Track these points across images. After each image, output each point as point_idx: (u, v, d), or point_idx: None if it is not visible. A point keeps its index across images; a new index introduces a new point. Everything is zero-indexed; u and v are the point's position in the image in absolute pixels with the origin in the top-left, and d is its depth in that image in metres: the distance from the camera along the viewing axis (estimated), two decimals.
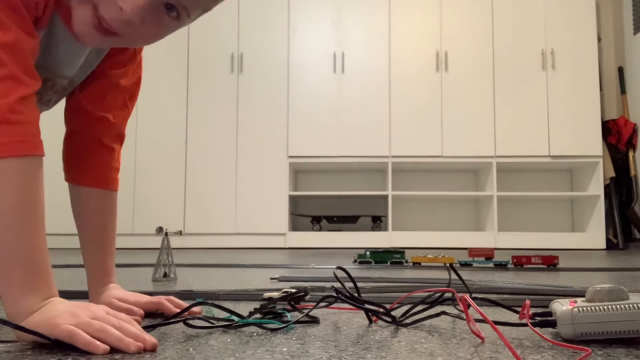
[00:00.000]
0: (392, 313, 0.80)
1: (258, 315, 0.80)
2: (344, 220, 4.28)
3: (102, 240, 0.90)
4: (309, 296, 0.92)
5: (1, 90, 0.63)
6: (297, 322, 0.79)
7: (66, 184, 0.90)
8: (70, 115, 0.89)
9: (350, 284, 0.88)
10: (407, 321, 0.79)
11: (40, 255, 0.65)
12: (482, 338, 0.68)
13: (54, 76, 0.79)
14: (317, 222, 4.28)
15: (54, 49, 0.76)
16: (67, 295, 0.74)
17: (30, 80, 0.66)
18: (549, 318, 0.69)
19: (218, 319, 0.77)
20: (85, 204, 0.89)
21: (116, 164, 0.92)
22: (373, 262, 2.19)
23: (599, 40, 4.42)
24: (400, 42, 4.25)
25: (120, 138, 0.92)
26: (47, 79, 0.78)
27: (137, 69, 0.92)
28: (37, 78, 0.68)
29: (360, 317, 0.85)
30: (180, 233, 4.15)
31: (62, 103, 0.90)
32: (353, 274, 0.89)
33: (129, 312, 0.80)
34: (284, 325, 0.75)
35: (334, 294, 0.83)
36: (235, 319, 0.76)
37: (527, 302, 0.69)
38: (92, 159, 0.88)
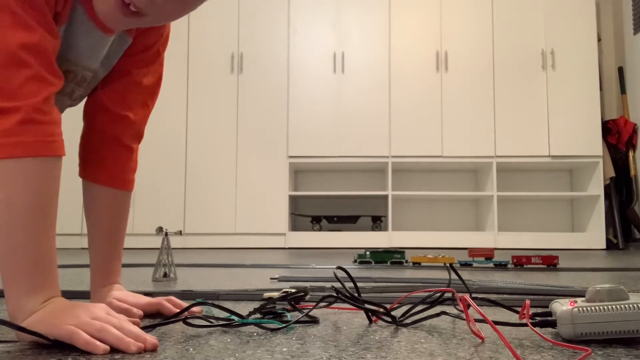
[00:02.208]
0: (392, 313, 0.80)
1: (258, 315, 0.80)
2: (344, 220, 4.28)
3: (110, 239, 0.89)
4: (309, 296, 0.92)
5: (28, 91, 0.64)
6: (297, 322, 0.79)
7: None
8: (90, 112, 0.88)
9: (350, 284, 0.88)
10: (407, 321, 0.79)
11: (48, 256, 0.65)
12: (482, 338, 0.68)
13: (76, 68, 0.79)
14: (317, 222, 4.28)
15: (75, 40, 0.76)
16: (67, 295, 0.74)
17: (54, 80, 0.67)
18: (549, 318, 0.69)
19: (218, 319, 0.77)
20: (99, 202, 0.88)
21: (134, 164, 0.91)
22: (373, 262, 2.19)
23: (599, 40, 4.42)
24: (400, 42, 4.25)
25: (139, 137, 0.91)
26: (69, 70, 0.77)
27: (159, 67, 0.91)
28: (61, 77, 0.69)
29: (360, 317, 0.85)
30: (180, 233, 4.15)
31: None
32: (353, 274, 0.89)
33: (127, 312, 0.80)
34: (284, 325, 0.75)
35: (334, 294, 0.83)
36: (235, 318, 0.76)
37: (527, 302, 0.69)
38: (109, 158, 0.87)
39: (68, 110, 0.87)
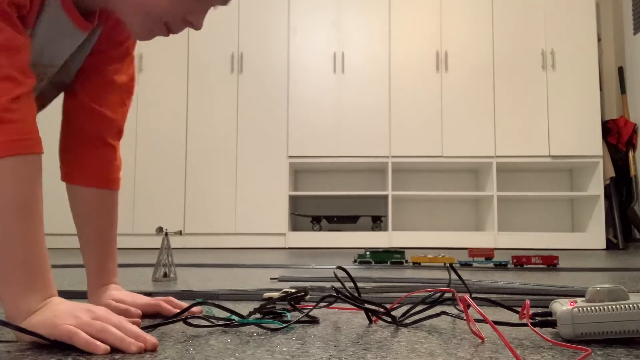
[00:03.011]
0: (392, 313, 0.80)
1: (258, 315, 0.80)
2: (344, 220, 4.28)
3: (102, 240, 0.88)
4: (308, 296, 0.92)
5: None
6: (297, 322, 0.79)
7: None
8: (70, 112, 0.87)
9: (351, 284, 0.88)
10: (407, 321, 0.79)
11: (38, 255, 0.64)
12: (482, 338, 0.68)
13: (41, 66, 0.78)
14: (317, 222, 4.28)
15: (44, 34, 0.74)
16: (67, 295, 0.74)
17: (25, 79, 0.66)
18: (549, 318, 0.69)
19: (218, 319, 0.77)
20: (86, 204, 0.87)
21: (118, 162, 0.90)
22: (373, 262, 2.19)
23: (599, 40, 4.42)
24: (400, 42, 4.25)
25: (120, 135, 0.91)
26: (38, 74, 0.77)
27: (130, 66, 0.91)
28: (32, 76, 0.68)
29: (360, 317, 0.85)
30: (180, 233, 4.14)
31: (60, 99, 0.89)
32: (353, 274, 0.89)
33: (125, 313, 0.80)
34: (284, 325, 0.75)
35: (334, 294, 0.83)
36: (236, 318, 0.76)
37: (527, 302, 0.69)
38: (93, 158, 0.87)
39: (47, 114, 0.86)
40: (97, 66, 0.85)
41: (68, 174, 0.88)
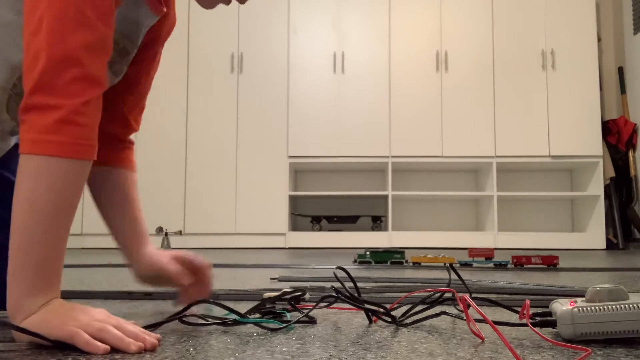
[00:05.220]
0: (392, 313, 0.80)
1: (257, 315, 0.80)
2: (344, 220, 4.28)
3: (132, 205, 0.92)
4: (307, 295, 0.92)
5: (73, 91, 0.63)
6: (296, 322, 0.78)
7: None
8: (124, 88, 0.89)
9: (350, 284, 0.88)
10: (407, 321, 0.79)
11: (57, 259, 0.65)
12: (482, 338, 0.68)
13: (123, 39, 0.80)
14: (317, 222, 4.28)
15: (129, 13, 0.77)
16: (67, 295, 0.74)
17: (101, 82, 0.67)
18: (549, 318, 0.69)
19: (219, 318, 0.77)
20: (104, 180, 0.89)
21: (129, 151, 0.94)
22: (373, 262, 2.19)
23: (599, 40, 4.42)
24: (400, 42, 4.25)
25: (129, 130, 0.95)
26: (117, 41, 0.78)
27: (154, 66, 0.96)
28: (106, 81, 0.69)
29: (360, 317, 0.85)
30: (180, 233, 4.15)
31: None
32: (353, 274, 0.89)
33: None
34: (284, 325, 0.75)
35: (334, 294, 0.83)
36: (235, 316, 0.76)
37: (527, 302, 0.69)
38: (106, 151, 0.89)
39: None
40: (137, 78, 0.89)
41: None
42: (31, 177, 0.63)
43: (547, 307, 0.72)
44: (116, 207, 0.90)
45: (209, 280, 0.93)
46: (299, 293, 0.89)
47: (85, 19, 0.64)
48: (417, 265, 2.14)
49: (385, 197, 4.20)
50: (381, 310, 0.81)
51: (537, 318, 0.70)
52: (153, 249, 0.91)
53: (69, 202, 0.65)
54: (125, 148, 0.92)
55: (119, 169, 0.90)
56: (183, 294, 0.92)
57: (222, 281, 1.52)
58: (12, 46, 0.72)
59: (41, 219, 0.63)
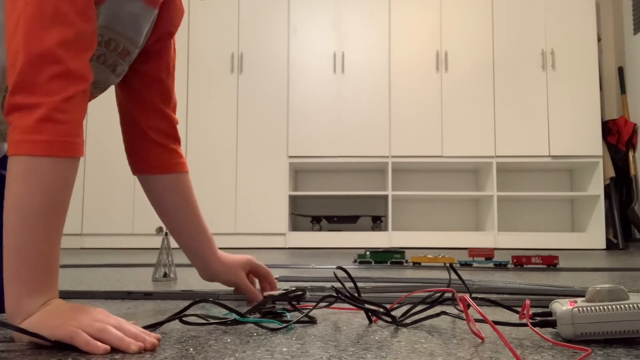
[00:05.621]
0: (392, 313, 0.80)
1: (257, 315, 0.80)
2: (344, 220, 4.28)
3: (196, 216, 0.99)
4: (307, 295, 0.92)
5: (52, 88, 0.63)
6: (296, 322, 0.78)
7: None
8: (144, 87, 0.94)
9: (350, 284, 0.88)
10: (407, 321, 0.79)
11: (52, 258, 0.65)
12: (482, 338, 0.68)
13: (117, 36, 0.79)
14: (317, 222, 4.28)
15: (118, 9, 0.76)
16: (67, 295, 0.74)
17: (83, 77, 0.66)
18: (549, 318, 0.69)
19: (219, 318, 0.77)
20: (164, 190, 0.95)
21: (176, 146, 0.98)
22: (373, 262, 2.19)
23: (599, 40, 4.42)
24: (400, 42, 4.25)
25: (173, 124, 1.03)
26: (111, 39, 0.78)
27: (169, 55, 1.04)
28: (90, 74, 0.68)
29: (360, 317, 0.85)
30: None
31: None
32: (353, 274, 0.89)
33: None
34: (284, 325, 0.75)
35: (334, 294, 0.83)
36: (235, 316, 0.76)
37: (527, 302, 0.69)
38: (152, 151, 0.95)
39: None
40: (156, 75, 0.97)
41: (135, 168, 0.96)
42: (19, 178, 0.63)
43: (547, 307, 0.72)
44: (180, 214, 0.94)
45: (274, 286, 1.02)
46: (299, 292, 0.89)
47: (61, 16, 0.64)
48: (417, 265, 2.14)
49: (385, 197, 4.20)
50: (381, 310, 0.81)
51: (537, 318, 0.70)
52: (223, 254, 0.98)
53: (58, 201, 0.65)
54: (175, 150, 0.95)
55: (175, 175, 0.94)
56: (250, 298, 1.00)
57: None
58: (3, 48, 0.72)
59: (31, 219, 0.63)
